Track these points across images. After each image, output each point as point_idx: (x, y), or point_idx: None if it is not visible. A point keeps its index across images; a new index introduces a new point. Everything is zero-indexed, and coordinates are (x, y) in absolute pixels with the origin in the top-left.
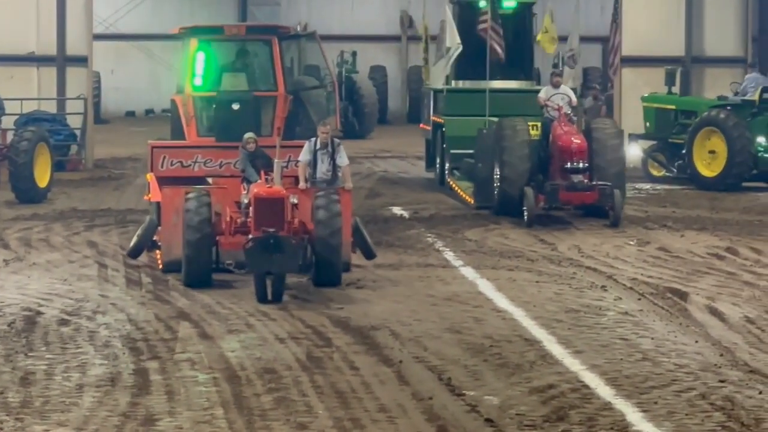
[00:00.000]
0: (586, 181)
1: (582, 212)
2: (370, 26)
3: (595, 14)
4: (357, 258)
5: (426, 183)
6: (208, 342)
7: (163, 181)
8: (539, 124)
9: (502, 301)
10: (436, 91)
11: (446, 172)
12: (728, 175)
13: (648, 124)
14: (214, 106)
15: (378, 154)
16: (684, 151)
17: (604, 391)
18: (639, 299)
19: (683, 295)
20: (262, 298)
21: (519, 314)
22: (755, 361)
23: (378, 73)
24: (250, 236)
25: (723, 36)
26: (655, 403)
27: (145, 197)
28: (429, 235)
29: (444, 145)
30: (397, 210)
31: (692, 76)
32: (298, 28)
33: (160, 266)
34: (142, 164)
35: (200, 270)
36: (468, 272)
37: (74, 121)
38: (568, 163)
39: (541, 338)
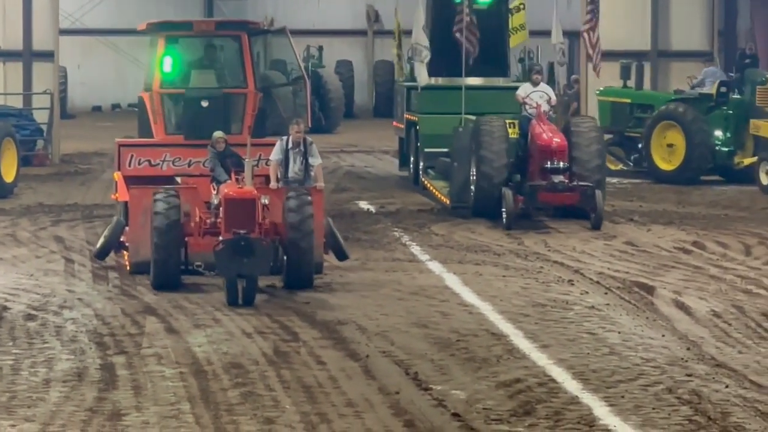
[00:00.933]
0: (566, 181)
1: (560, 213)
2: (337, 21)
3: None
4: (327, 257)
5: (393, 177)
6: (175, 337)
7: (131, 180)
8: (516, 122)
9: (468, 296)
10: (410, 89)
11: (420, 171)
12: (687, 168)
13: (603, 117)
14: (182, 103)
15: (344, 148)
16: (641, 145)
17: (571, 385)
18: (606, 293)
19: (650, 290)
20: (233, 302)
21: (486, 308)
22: (722, 355)
23: (344, 68)
24: (221, 238)
25: (689, 30)
26: (622, 397)
27: (113, 196)
28: (396, 229)
29: (418, 144)
30: (363, 204)
31: (658, 70)
32: (265, 23)
33: (128, 268)
34: (108, 159)
35: (169, 272)
36: (435, 266)
37: (41, 116)
38: (548, 163)
39: (508, 332)
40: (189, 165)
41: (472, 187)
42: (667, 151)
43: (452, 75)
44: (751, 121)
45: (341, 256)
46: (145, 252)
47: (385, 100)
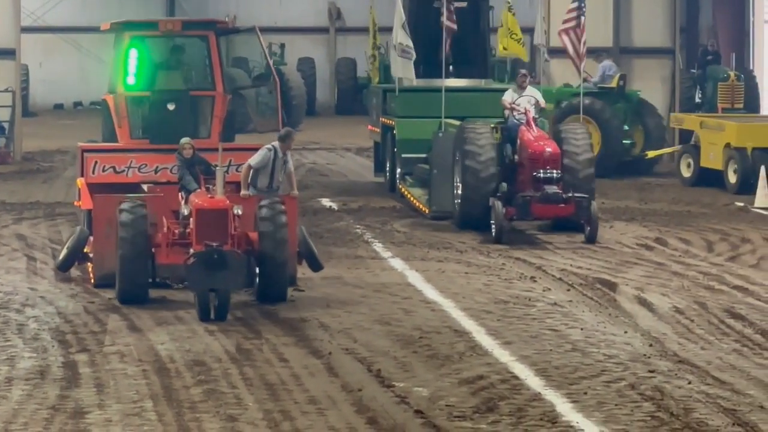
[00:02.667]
0: (560, 192)
1: (551, 227)
2: (298, 18)
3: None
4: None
5: (355, 174)
6: (138, 334)
7: (95, 187)
8: (499, 126)
9: (431, 293)
10: (386, 91)
11: (397, 177)
12: (603, 162)
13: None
14: (147, 106)
15: (306, 146)
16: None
17: (533, 382)
18: (568, 290)
19: (612, 286)
20: (204, 317)
21: (448, 305)
22: (684, 351)
23: (306, 65)
24: (192, 251)
25: (651, 27)
26: (585, 393)
27: (76, 203)
28: (358, 226)
29: (395, 149)
30: (325, 202)
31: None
32: (231, 22)
33: (92, 281)
34: (70, 156)
35: (136, 286)
36: (397, 264)
37: (2, 114)
38: (541, 172)
39: (471, 329)
40: (156, 172)
41: (457, 198)
42: None
43: (430, 76)
44: (672, 115)
45: (315, 266)
46: (111, 264)
47: (347, 98)
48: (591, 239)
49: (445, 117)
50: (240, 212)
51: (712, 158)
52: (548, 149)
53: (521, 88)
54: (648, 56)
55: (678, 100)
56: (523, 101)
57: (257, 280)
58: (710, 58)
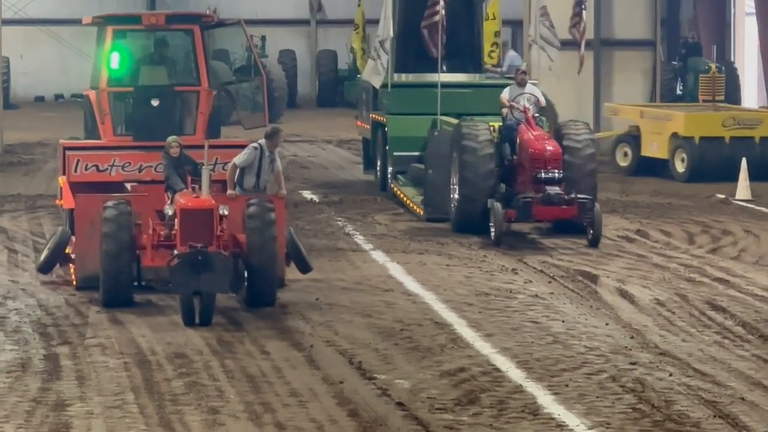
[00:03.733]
0: (563, 193)
1: (551, 228)
2: (279, 10)
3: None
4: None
5: (336, 166)
6: (119, 327)
7: (77, 186)
8: (497, 125)
9: (412, 285)
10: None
11: (389, 176)
12: None
13: None
14: (131, 102)
15: (287, 138)
16: None
17: (515, 374)
18: (549, 282)
19: (594, 278)
20: (189, 322)
21: (429, 298)
22: (665, 344)
23: (287, 57)
24: (176, 252)
25: (632, 19)
26: (566, 385)
27: (57, 202)
28: (339, 219)
29: (386, 147)
30: (306, 194)
31: (601, 58)
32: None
33: (74, 283)
34: (52, 149)
35: (120, 288)
36: (378, 256)
37: None
38: (542, 173)
39: (452, 322)
40: (140, 170)
41: (454, 200)
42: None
43: (421, 71)
44: (606, 104)
45: (304, 267)
46: (93, 265)
47: (328, 90)
48: (594, 242)
49: (440, 114)
50: (226, 212)
51: (655, 148)
52: (549, 149)
53: (520, 85)
54: (629, 48)
55: (659, 92)
56: (523, 99)
57: (245, 283)
58: (684, 52)
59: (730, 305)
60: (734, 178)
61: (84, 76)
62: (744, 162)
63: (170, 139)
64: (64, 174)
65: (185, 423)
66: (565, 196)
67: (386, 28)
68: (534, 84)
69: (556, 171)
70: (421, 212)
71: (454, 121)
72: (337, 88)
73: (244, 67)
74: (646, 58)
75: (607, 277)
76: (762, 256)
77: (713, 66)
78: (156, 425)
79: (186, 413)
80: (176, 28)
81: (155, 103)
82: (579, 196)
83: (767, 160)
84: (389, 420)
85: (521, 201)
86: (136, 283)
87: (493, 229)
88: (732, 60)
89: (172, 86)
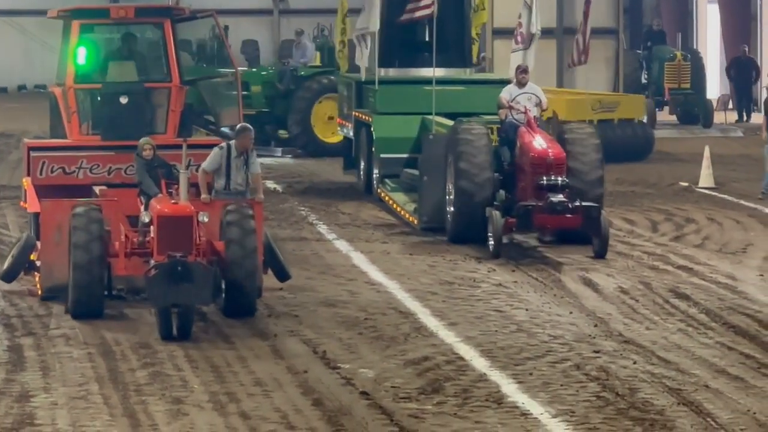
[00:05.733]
0: (567, 201)
1: (554, 238)
2: (242, 0)
3: None
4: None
5: (299, 156)
6: (83, 318)
7: (42, 190)
8: (494, 126)
9: (376, 274)
10: (363, 82)
11: (375, 180)
12: None
13: None
14: (99, 99)
15: None
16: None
17: (479, 362)
18: (513, 271)
19: (557, 266)
20: (166, 335)
21: (393, 287)
22: (629, 332)
23: (250, 48)
24: (153, 262)
25: (595, 7)
26: (530, 374)
27: (22, 204)
28: (302, 208)
29: (372, 149)
30: (270, 183)
31: (564, 47)
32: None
33: (40, 293)
34: (15, 140)
35: (91, 299)
36: (342, 245)
37: None
38: (544, 179)
39: (416, 311)
40: (109, 173)
41: (450, 208)
42: (329, 123)
43: (406, 65)
44: None
45: (282, 275)
46: (60, 275)
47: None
48: (601, 254)
49: (426, 114)
50: (206, 219)
51: None
52: (552, 153)
53: (520, 84)
54: (591, 36)
55: (621, 80)
56: (523, 99)
57: (222, 294)
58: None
59: (694, 293)
60: (608, 160)
61: (48, 67)
62: (707, 149)
63: (143, 141)
64: (28, 175)
65: (149, 413)
66: (569, 204)
67: (371, 20)
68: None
69: (560, 177)
70: (415, 222)
71: (447, 122)
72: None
73: (207, 57)
74: (609, 47)
75: (571, 265)
76: (725, 243)
77: (679, 54)
78: (120, 415)
79: (150, 403)
80: (146, 22)
81: (124, 100)
82: (584, 204)
83: (623, 141)
84: (353, 409)
85: (522, 209)
86: (106, 293)
87: (491, 240)
88: (695, 47)
89: (141, 82)
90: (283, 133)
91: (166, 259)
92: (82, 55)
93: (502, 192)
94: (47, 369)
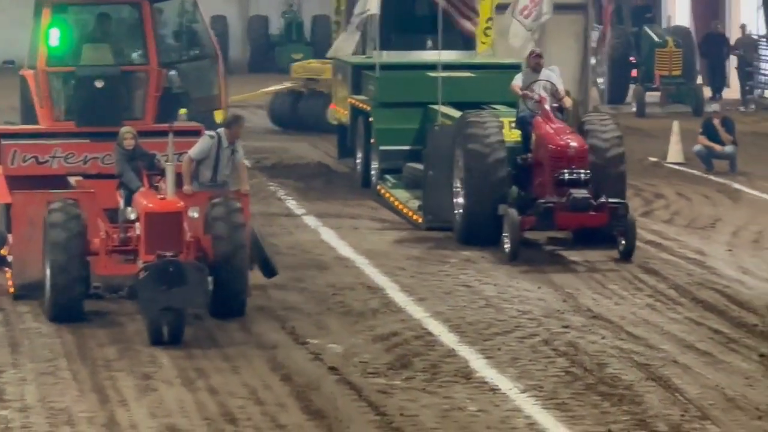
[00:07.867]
0: (590, 197)
1: (574, 237)
2: None
3: None
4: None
5: (267, 132)
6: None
7: (14, 180)
8: (508, 120)
9: (344, 249)
10: (361, 67)
11: (373, 174)
12: None
13: None
14: (72, 83)
15: None
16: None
17: (447, 338)
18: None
19: (525, 242)
20: (156, 341)
21: (362, 262)
22: (598, 307)
23: (219, 23)
24: (142, 263)
25: None
26: (499, 349)
27: None
28: (271, 183)
29: (371, 140)
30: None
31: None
32: None
33: (11, 291)
34: None
35: (71, 300)
36: (311, 221)
37: None
38: (565, 173)
39: (384, 286)
40: (85, 162)
41: (458, 206)
42: None
43: (404, 48)
44: (296, 64)
45: (268, 272)
46: (34, 272)
47: (260, 56)
48: (627, 254)
49: (433, 104)
50: (196, 215)
51: None
52: (573, 145)
53: (534, 70)
54: (559, 12)
55: (589, 55)
56: (538, 87)
57: (211, 292)
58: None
59: (663, 268)
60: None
61: (14, 43)
62: (676, 125)
63: (123, 130)
64: None
65: (118, 389)
66: (594, 201)
67: (370, 1)
68: (551, 70)
69: (582, 171)
70: (420, 220)
71: (455, 112)
72: (268, 54)
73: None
74: (577, 22)
75: (540, 240)
76: (694, 219)
77: (671, 40)
78: (89, 391)
79: (119, 379)
80: (122, 2)
81: (99, 84)
82: (611, 200)
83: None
84: (322, 384)
85: (542, 207)
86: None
87: (507, 240)
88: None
89: (117, 66)
90: None
91: (156, 259)
92: (54, 36)
93: (514, 188)
94: (16, 345)
